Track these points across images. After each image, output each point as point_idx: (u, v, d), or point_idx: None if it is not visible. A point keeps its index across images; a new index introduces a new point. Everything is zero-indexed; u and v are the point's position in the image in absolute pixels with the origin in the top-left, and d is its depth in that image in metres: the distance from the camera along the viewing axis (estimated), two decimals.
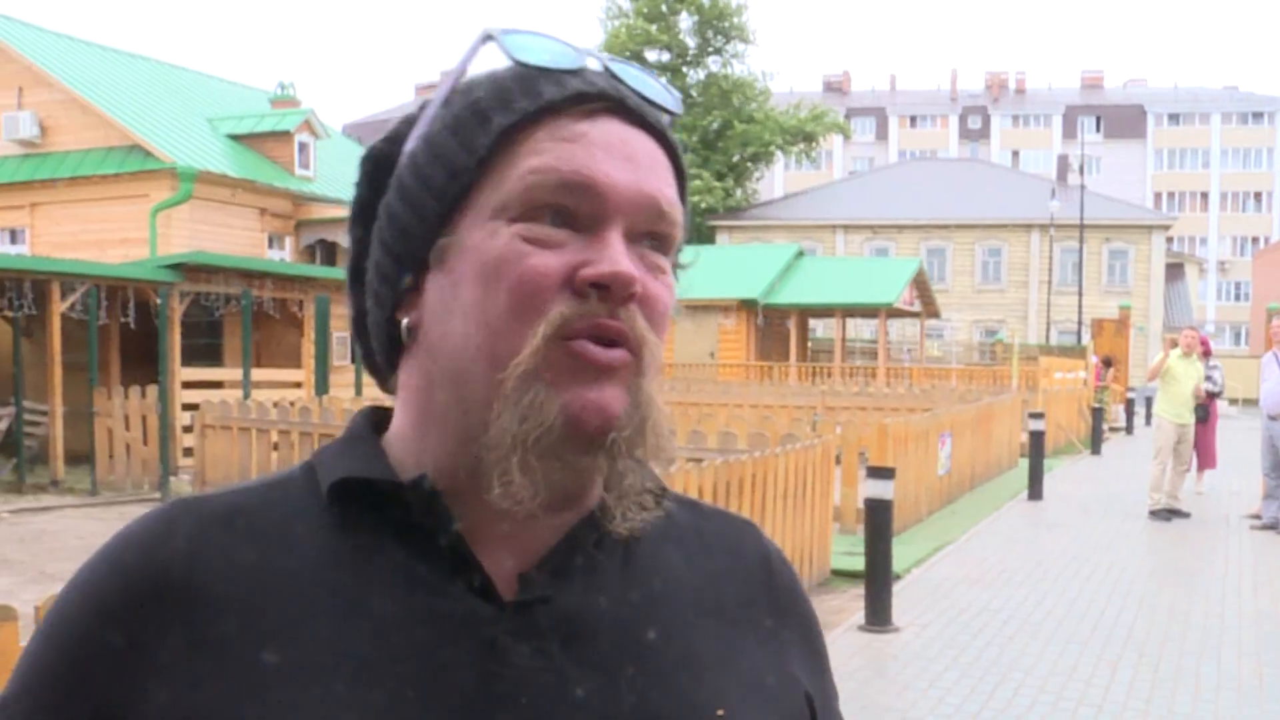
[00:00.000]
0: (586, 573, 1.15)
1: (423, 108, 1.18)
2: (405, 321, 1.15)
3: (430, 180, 1.12)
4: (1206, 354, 18.64)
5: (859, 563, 10.98)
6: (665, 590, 1.20)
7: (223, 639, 1.07)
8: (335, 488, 1.14)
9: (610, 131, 1.12)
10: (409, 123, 1.18)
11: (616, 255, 1.08)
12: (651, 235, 1.13)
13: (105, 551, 1.14)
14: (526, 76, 1.12)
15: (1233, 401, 48.65)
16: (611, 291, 1.07)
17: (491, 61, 1.16)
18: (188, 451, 19.99)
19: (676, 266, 1.19)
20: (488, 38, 1.14)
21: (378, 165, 1.19)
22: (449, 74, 1.16)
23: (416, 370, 1.16)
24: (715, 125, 66.66)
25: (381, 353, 1.21)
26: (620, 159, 1.11)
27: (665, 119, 1.19)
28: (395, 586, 1.10)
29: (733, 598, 1.26)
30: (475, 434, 1.09)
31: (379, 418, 1.24)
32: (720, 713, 1.15)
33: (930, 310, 48.94)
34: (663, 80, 1.20)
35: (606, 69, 1.16)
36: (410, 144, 1.16)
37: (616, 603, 1.16)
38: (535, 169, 1.09)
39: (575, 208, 1.09)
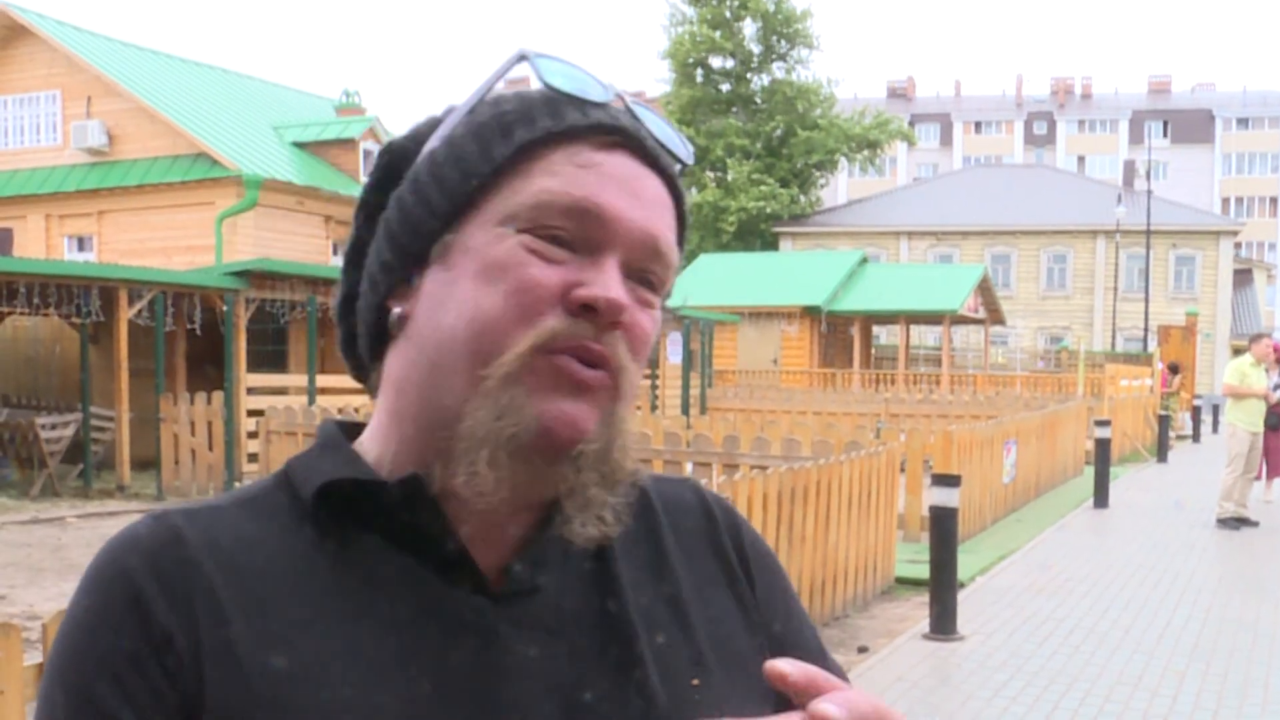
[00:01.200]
0: (563, 559, 1.18)
1: (448, 112, 1.21)
2: (397, 310, 1.18)
3: (444, 179, 1.15)
4: None
5: (923, 571, 10.93)
6: (633, 566, 1.24)
7: (229, 643, 1.08)
8: (321, 491, 1.16)
9: (623, 166, 1.15)
10: (433, 124, 1.22)
11: (610, 281, 1.11)
12: (645, 273, 1.16)
13: (102, 563, 1.13)
14: (553, 100, 1.16)
15: None
16: (600, 314, 1.10)
17: (524, 84, 1.20)
18: (252, 457, 20.11)
19: (663, 309, 1.21)
20: (522, 57, 1.18)
21: (394, 158, 1.22)
22: (480, 85, 1.20)
23: (399, 361, 1.18)
24: (779, 132, 66.55)
25: (366, 338, 1.23)
26: (628, 194, 1.14)
27: (676, 166, 1.22)
28: (390, 584, 1.13)
29: (693, 554, 1.31)
30: (448, 423, 1.12)
31: (347, 429, 1.26)
32: (695, 682, 1.19)
33: (995, 317, 48.75)
34: (679, 132, 1.23)
35: (629, 108, 1.20)
36: (431, 143, 1.19)
37: (592, 585, 1.21)
38: (547, 188, 1.12)
39: (579, 232, 1.12)
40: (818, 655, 1.35)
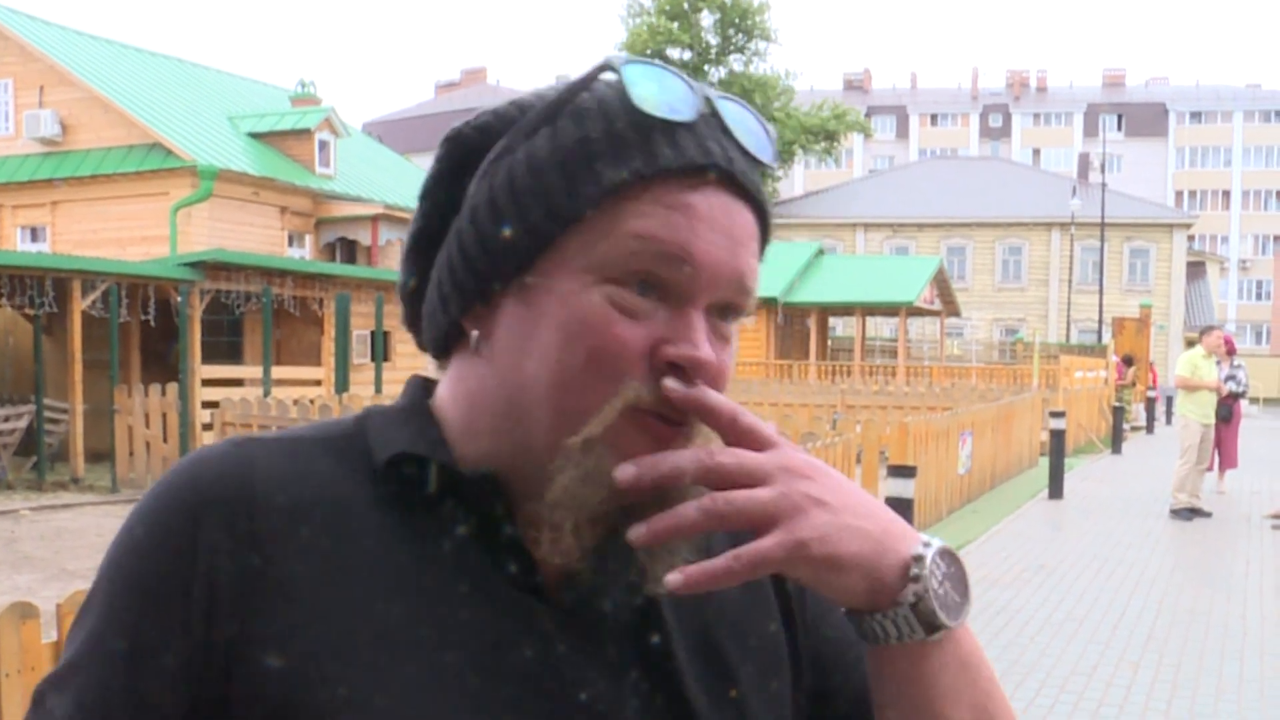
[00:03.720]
0: (623, 570, 1.16)
1: (517, 109, 1.18)
2: (475, 333, 1.17)
3: (527, 213, 1.11)
4: (1231, 353, 18.60)
5: None
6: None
7: (282, 587, 1.09)
8: (393, 460, 1.16)
9: (714, 204, 1.11)
10: (501, 119, 1.18)
11: (698, 338, 1.09)
12: (729, 307, 1.14)
13: (168, 484, 1.14)
14: (642, 126, 1.11)
15: (1253, 401, 48.49)
16: (686, 374, 1.09)
17: (603, 82, 1.15)
18: None
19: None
20: (608, 68, 1.14)
21: (460, 149, 1.19)
22: (559, 92, 1.15)
23: (475, 376, 1.18)
24: None
25: (433, 341, 1.23)
26: (720, 234, 1.11)
27: (764, 186, 1.18)
28: (452, 569, 1.14)
29: None
30: (523, 452, 1.13)
31: (431, 388, 1.26)
32: (733, 693, 1.21)
33: (950, 309, 48.87)
34: (766, 126, 1.18)
35: (715, 113, 1.15)
36: (507, 152, 1.15)
37: (641, 600, 1.18)
38: (638, 235, 1.09)
39: (667, 278, 1.10)
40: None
